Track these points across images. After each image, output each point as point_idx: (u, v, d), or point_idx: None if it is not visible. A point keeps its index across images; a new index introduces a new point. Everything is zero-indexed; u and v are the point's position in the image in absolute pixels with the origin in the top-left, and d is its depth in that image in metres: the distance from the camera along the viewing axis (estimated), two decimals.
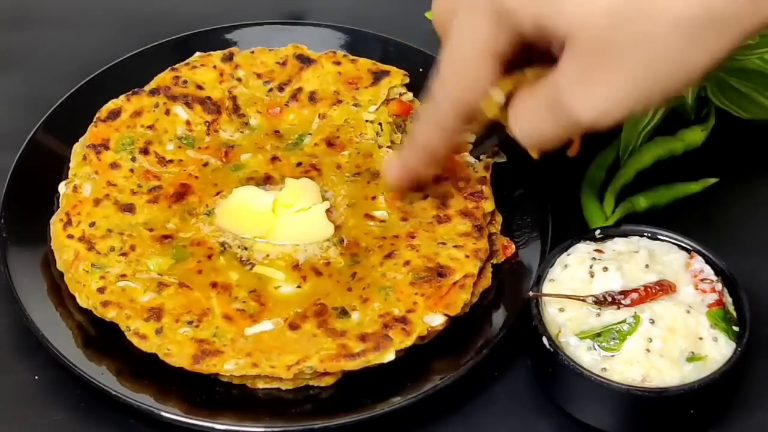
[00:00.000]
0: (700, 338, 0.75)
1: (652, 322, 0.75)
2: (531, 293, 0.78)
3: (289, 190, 0.85)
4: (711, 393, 0.75)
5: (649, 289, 0.76)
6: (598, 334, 0.75)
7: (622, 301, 0.76)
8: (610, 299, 0.76)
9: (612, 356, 0.75)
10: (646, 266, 0.78)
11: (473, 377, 0.79)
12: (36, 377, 0.81)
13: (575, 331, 0.76)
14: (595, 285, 0.77)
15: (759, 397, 0.80)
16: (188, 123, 0.92)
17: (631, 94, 0.68)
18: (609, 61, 0.67)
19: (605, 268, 0.77)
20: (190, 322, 0.80)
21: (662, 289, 0.76)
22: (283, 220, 0.84)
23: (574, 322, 0.76)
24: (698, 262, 0.79)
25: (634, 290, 0.76)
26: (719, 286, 0.78)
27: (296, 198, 0.85)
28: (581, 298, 0.76)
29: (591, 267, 0.78)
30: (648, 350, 0.74)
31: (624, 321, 0.75)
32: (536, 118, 0.72)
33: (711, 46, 0.67)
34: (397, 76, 0.95)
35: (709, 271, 0.78)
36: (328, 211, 0.85)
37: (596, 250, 0.80)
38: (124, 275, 0.82)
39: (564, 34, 0.68)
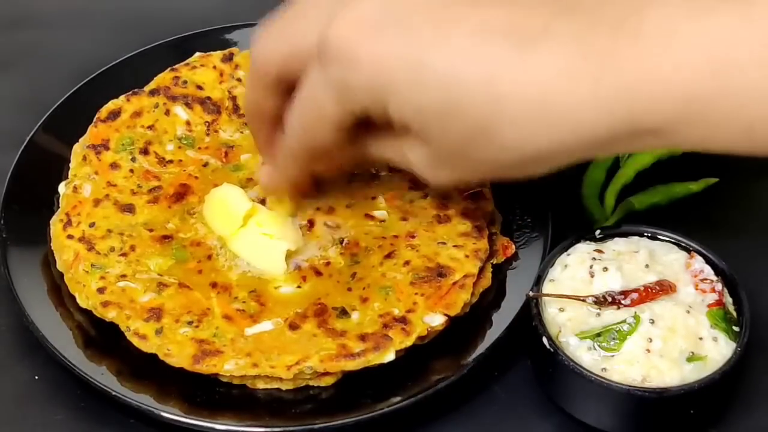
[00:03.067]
0: (700, 338, 0.75)
1: (652, 322, 0.75)
2: (531, 293, 0.78)
3: (272, 216, 0.84)
4: (711, 393, 0.75)
5: (649, 289, 0.76)
6: (598, 334, 0.75)
7: (622, 301, 0.76)
8: (610, 299, 0.76)
9: (612, 356, 0.75)
10: (646, 266, 0.78)
11: (473, 377, 0.79)
12: (36, 377, 0.81)
13: (575, 331, 0.76)
14: (595, 285, 0.77)
15: (759, 397, 0.80)
16: (188, 123, 0.92)
17: (476, 174, 0.74)
18: (449, 159, 0.71)
19: (605, 268, 0.77)
20: (190, 323, 0.80)
21: (662, 289, 0.76)
22: (246, 233, 0.84)
23: (574, 322, 0.76)
24: (698, 262, 0.79)
25: (634, 290, 0.76)
26: (719, 286, 0.78)
27: (272, 223, 0.84)
28: (581, 298, 0.76)
29: (591, 267, 0.78)
30: (648, 350, 0.74)
31: (624, 321, 0.75)
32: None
33: (552, 164, 0.70)
34: None
35: (709, 271, 0.78)
36: (291, 253, 0.84)
37: (596, 250, 0.80)
38: (124, 275, 0.82)
39: (417, 130, 0.70)
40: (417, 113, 0.69)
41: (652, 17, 0.64)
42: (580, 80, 0.64)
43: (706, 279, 0.78)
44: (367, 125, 0.74)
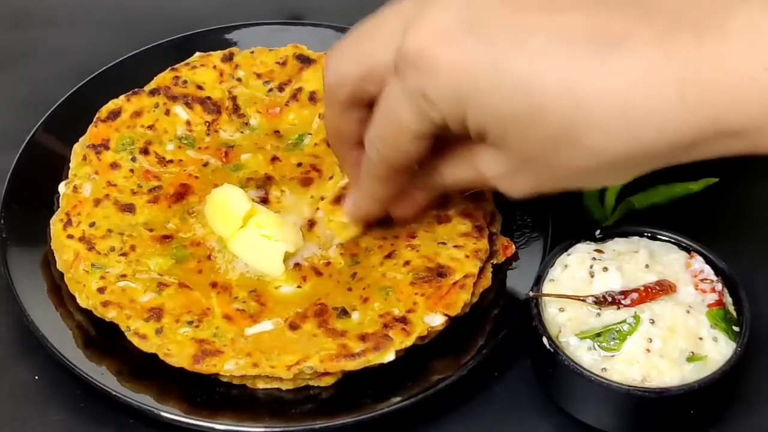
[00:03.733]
0: (700, 338, 0.75)
1: (652, 322, 0.75)
2: (531, 293, 0.78)
3: (272, 217, 0.85)
4: (711, 393, 0.75)
5: (649, 289, 0.76)
6: (598, 334, 0.75)
7: (622, 301, 0.76)
8: (610, 299, 0.76)
9: (612, 356, 0.75)
10: (646, 266, 0.78)
11: (473, 377, 0.79)
12: (36, 377, 0.81)
13: (575, 331, 0.76)
14: (595, 285, 0.77)
15: (759, 397, 0.80)
16: (188, 123, 0.92)
17: (554, 183, 0.72)
18: (528, 166, 0.70)
19: (605, 268, 0.77)
20: (190, 322, 0.80)
21: (662, 289, 0.76)
22: (245, 234, 0.84)
23: (574, 322, 0.76)
24: (698, 262, 0.79)
25: (634, 290, 0.76)
26: (719, 286, 0.78)
27: (272, 226, 0.84)
28: (581, 298, 0.76)
29: (591, 267, 0.78)
30: (648, 350, 0.74)
31: (624, 321, 0.75)
32: (462, 181, 0.77)
33: (633, 171, 0.70)
34: None
35: (709, 271, 0.78)
36: (290, 254, 0.84)
37: (596, 250, 0.80)
38: (124, 275, 0.82)
39: (495, 139, 0.70)
40: (497, 119, 0.68)
41: (737, 17, 0.63)
42: (664, 82, 0.64)
43: (706, 279, 0.78)
44: (440, 149, 0.74)
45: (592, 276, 0.77)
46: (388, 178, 0.77)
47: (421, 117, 0.70)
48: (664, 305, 0.76)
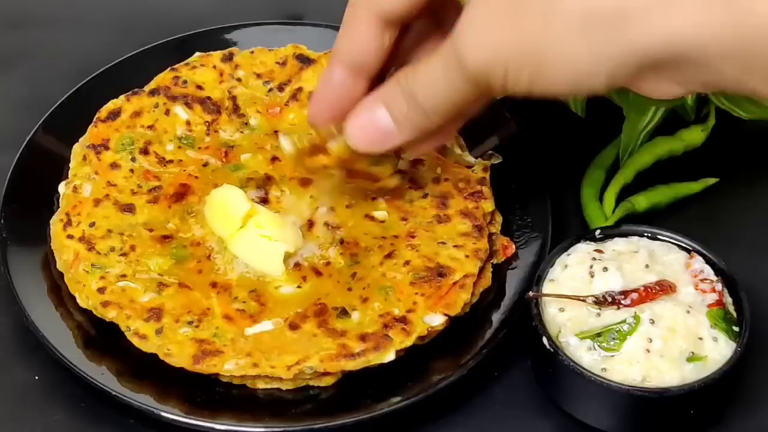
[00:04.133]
0: (700, 338, 0.75)
1: (652, 322, 0.75)
2: (531, 293, 0.78)
3: (271, 217, 0.84)
4: (711, 393, 0.75)
5: (649, 289, 0.76)
6: (598, 335, 0.75)
7: (622, 301, 0.76)
8: (610, 299, 0.76)
9: (612, 356, 0.75)
10: (646, 266, 0.78)
11: (473, 377, 0.79)
12: (36, 377, 0.81)
13: (575, 331, 0.76)
14: (595, 285, 0.77)
15: (759, 397, 0.80)
16: (188, 123, 0.92)
17: (514, 54, 0.65)
18: (507, 13, 0.64)
19: (605, 268, 0.77)
20: (190, 322, 0.80)
21: (662, 289, 0.76)
22: (245, 234, 0.84)
23: (574, 323, 0.76)
24: (698, 262, 0.79)
25: (634, 290, 0.76)
26: (719, 286, 0.78)
27: (271, 226, 0.84)
28: (581, 298, 0.76)
29: (591, 267, 0.78)
30: (648, 350, 0.74)
31: (624, 321, 0.75)
32: (431, 82, 0.69)
33: (602, 46, 0.63)
34: None
35: (709, 271, 0.78)
36: (290, 254, 0.84)
37: (596, 250, 0.80)
38: (124, 275, 0.82)
39: None
40: None
41: None
42: None
43: (706, 279, 0.78)
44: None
45: (592, 276, 0.77)
46: (354, 23, 0.73)
47: None
48: (664, 305, 0.76)
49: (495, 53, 0.65)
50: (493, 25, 0.65)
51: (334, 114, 0.76)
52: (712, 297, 0.77)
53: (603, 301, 0.76)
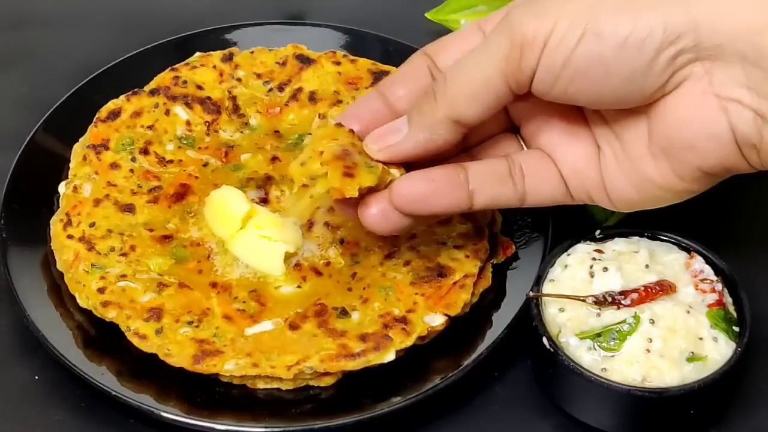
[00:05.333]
0: (700, 338, 0.75)
1: (652, 322, 0.75)
2: (531, 293, 0.78)
3: (271, 217, 0.85)
4: (711, 393, 0.75)
5: (649, 289, 0.76)
6: (598, 335, 0.75)
7: (622, 302, 0.76)
8: (610, 299, 0.76)
9: (612, 356, 0.75)
10: (646, 266, 0.78)
11: (473, 377, 0.79)
12: (36, 377, 0.81)
13: (575, 331, 0.76)
14: (595, 285, 0.77)
15: (759, 397, 0.80)
16: (188, 123, 0.92)
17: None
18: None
19: (605, 268, 0.77)
20: (190, 322, 0.80)
21: (662, 289, 0.76)
22: (245, 235, 0.84)
23: (574, 322, 0.76)
24: (698, 262, 0.79)
25: (634, 290, 0.76)
26: (719, 286, 0.78)
27: (271, 226, 0.84)
28: (581, 298, 0.76)
29: (591, 267, 0.78)
30: (648, 350, 0.74)
31: (624, 321, 0.75)
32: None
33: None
34: None
35: (709, 271, 0.78)
36: (291, 254, 0.84)
37: (596, 250, 0.80)
38: (124, 275, 0.82)
39: None
40: None
41: None
42: None
43: (706, 279, 0.78)
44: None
45: (592, 276, 0.77)
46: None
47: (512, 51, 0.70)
48: (664, 305, 0.76)
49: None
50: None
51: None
52: (712, 297, 0.77)
53: (603, 301, 0.76)
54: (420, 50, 0.77)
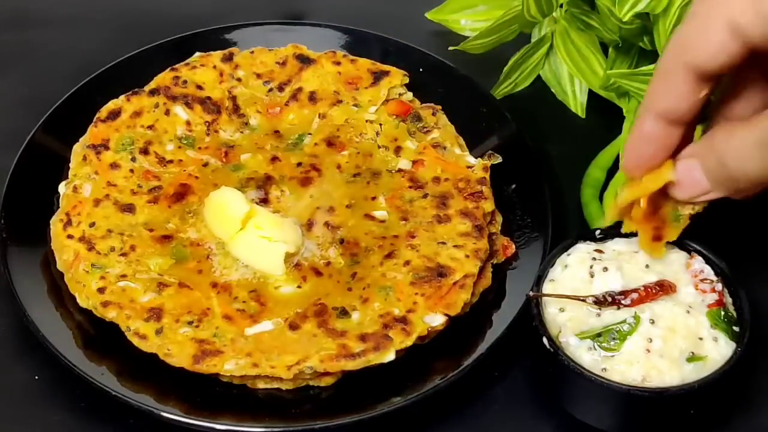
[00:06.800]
0: (701, 338, 0.75)
1: (652, 322, 0.75)
2: (531, 293, 0.78)
3: (270, 218, 0.85)
4: (711, 393, 0.75)
5: (649, 290, 0.76)
6: (599, 335, 0.75)
7: (622, 302, 0.76)
8: (610, 299, 0.76)
9: (612, 356, 0.75)
10: (646, 266, 0.78)
11: (473, 377, 0.79)
12: (36, 377, 0.81)
13: (575, 331, 0.76)
14: (595, 285, 0.77)
15: (759, 397, 0.80)
16: (188, 123, 0.92)
17: None
18: None
19: (605, 268, 0.77)
20: (190, 322, 0.80)
21: (662, 289, 0.76)
22: (245, 236, 0.84)
23: (574, 322, 0.76)
24: (698, 262, 0.79)
25: (634, 290, 0.76)
26: (719, 286, 0.78)
27: (271, 227, 0.84)
28: (581, 298, 0.76)
29: (591, 267, 0.78)
30: (648, 350, 0.74)
31: (624, 321, 0.75)
32: (741, 151, 0.68)
33: None
34: (397, 76, 0.95)
35: (709, 271, 0.78)
36: (291, 254, 0.84)
37: (596, 250, 0.80)
38: (124, 275, 0.82)
39: None
40: None
41: None
42: None
43: (706, 279, 0.78)
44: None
45: (592, 276, 0.77)
46: (671, 76, 0.70)
47: (748, 4, 0.65)
48: (664, 305, 0.76)
49: None
50: None
51: (650, 164, 0.74)
52: (712, 297, 0.77)
53: (603, 301, 0.76)
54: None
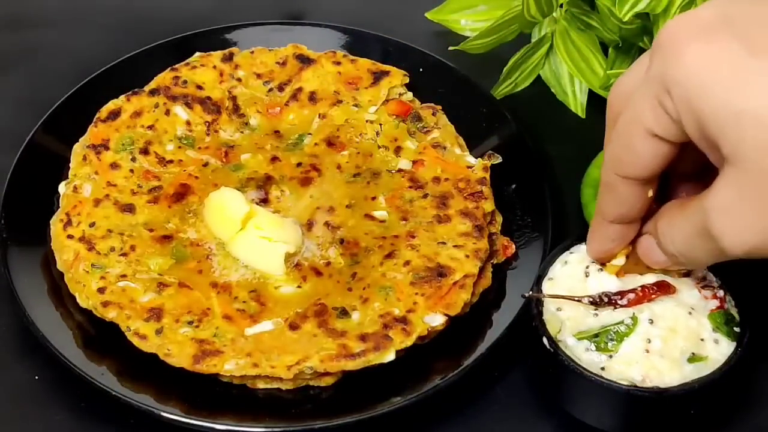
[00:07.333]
0: (702, 339, 0.75)
1: (651, 322, 0.75)
2: (529, 293, 0.78)
3: (270, 218, 0.85)
4: (711, 393, 0.75)
5: (646, 290, 0.76)
6: (596, 335, 0.75)
7: (619, 302, 0.76)
8: (606, 300, 0.76)
9: (612, 356, 0.75)
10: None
11: (473, 377, 0.79)
12: (36, 377, 0.81)
13: (574, 331, 0.76)
14: (590, 284, 0.77)
15: (759, 398, 0.80)
16: (188, 123, 0.92)
17: None
18: (762, 194, 0.62)
19: (601, 268, 0.77)
20: (190, 322, 0.80)
21: (661, 289, 0.76)
22: (245, 236, 0.84)
23: (573, 322, 0.76)
24: (701, 270, 0.78)
25: (631, 291, 0.76)
26: (721, 293, 0.77)
27: (271, 227, 0.84)
28: (578, 298, 0.76)
29: (587, 267, 0.78)
30: (647, 351, 0.74)
31: (621, 322, 0.75)
32: (683, 240, 0.69)
33: None
34: (397, 76, 0.95)
35: (711, 278, 0.78)
36: (291, 254, 0.84)
37: None
38: (124, 275, 0.82)
39: (728, 150, 0.63)
40: (735, 119, 0.62)
41: None
42: None
43: (708, 285, 0.77)
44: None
45: (587, 276, 0.77)
46: (614, 188, 0.71)
47: (656, 110, 0.66)
48: (665, 305, 0.75)
49: (757, 241, 0.64)
50: (750, 211, 0.63)
51: (614, 253, 0.76)
52: (714, 303, 0.77)
53: (599, 301, 0.76)
54: None
